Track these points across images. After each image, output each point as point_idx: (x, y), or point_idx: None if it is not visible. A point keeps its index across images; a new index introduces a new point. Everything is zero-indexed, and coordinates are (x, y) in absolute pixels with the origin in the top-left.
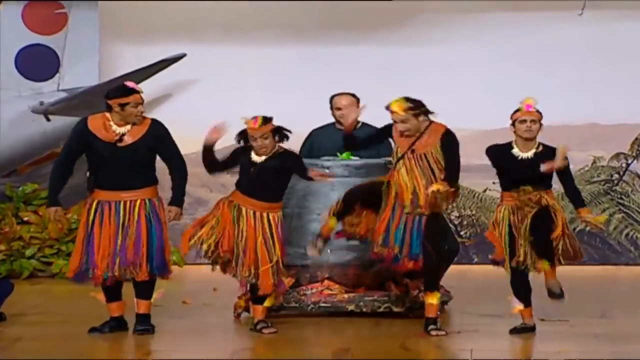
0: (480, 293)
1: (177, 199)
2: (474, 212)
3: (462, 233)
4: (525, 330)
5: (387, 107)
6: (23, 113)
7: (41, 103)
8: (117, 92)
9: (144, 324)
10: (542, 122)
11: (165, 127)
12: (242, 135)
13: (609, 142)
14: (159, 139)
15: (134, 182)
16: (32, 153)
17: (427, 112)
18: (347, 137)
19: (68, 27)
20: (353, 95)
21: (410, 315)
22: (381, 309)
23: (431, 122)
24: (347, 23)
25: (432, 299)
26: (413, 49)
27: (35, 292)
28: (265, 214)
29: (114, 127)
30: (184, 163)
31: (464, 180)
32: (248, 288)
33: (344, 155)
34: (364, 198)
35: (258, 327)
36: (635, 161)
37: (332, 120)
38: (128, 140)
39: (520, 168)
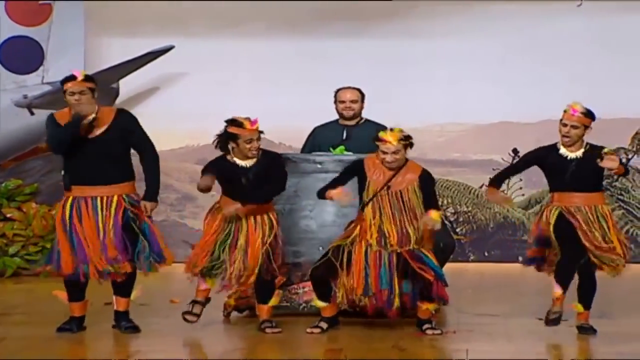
0: (477, 292)
1: (152, 193)
2: (470, 209)
3: (457, 230)
4: (556, 321)
5: (379, 138)
6: (6, 107)
7: (25, 96)
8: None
9: (130, 322)
10: (589, 124)
11: (133, 116)
12: (230, 140)
13: (608, 136)
14: (127, 129)
15: (110, 176)
16: (16, 148)
17: (412, 145)
18: None
19: (52, 19)
20: (359, 90)
21: (404, 315)
22: None
23: (407, 159)
24: (342, 14)
25: (428, 306)
26: (411, 42)
27: (19, 291)
28: (266, 216)
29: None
30: (156, 153)
31: (461, 176)
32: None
33: (338, 150)
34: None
35: (262, 326)
36: (635, 156)
37: (327, 115)
38: (96, 131)
39: (570, 168)
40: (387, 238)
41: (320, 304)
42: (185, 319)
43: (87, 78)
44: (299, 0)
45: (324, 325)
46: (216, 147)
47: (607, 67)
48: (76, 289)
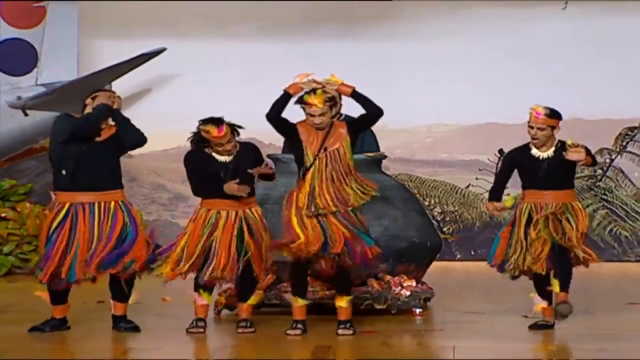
0: (463, 290)
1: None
2: (456, 208)
3: (444, 229)
4: (544, 327)
5: (304, 102)
6: (0, 108)
7: (19, 98)
8: None
9: (129, 322)
10: (555, 124)
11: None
12: (202, 141)
13: (592, 137)
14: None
15: (107, 182)
16: (10, 149)
17: (336, 105)
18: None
19: (46, 21)
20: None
21: (392, 312)
22: (363, 306)
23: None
24: (332, 16)
25: (342, 302)
26: (398, 44)
27: (12, 289)
28: (249, 211)
29: None
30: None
31: (447, 176)
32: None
33: None
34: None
35: (238, 324)
36: (618, 157)
37: None
38: (104, 135)
39: (542, 167)
40: (316, 200)
41: (300, 301)
42: (191, 332)
43: None
44: (290, 0)
45: (302, 326)
46: (191, 142)
47: (591, 68)
48: (58, 293)
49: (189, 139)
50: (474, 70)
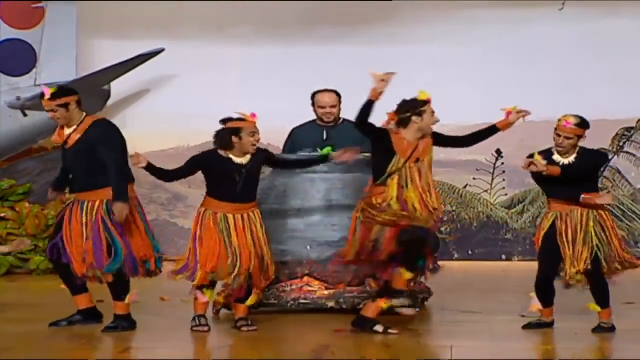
0: (460, 289)
1: (116, 196)
2: (454, 208)
3: (442, 229)
4: (540, 326)
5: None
6: None
7: (18, 98)
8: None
9: (112, 323)
10: (582, 133)
11: (107, 127)
12: (234, 132)
13: (589, 137)
14: (97, 140)
15: (91, 183)
16: (9, 148)
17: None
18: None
19: (45, 22)
20: (335, 92)
21: (390, 312)
22: (361, 306)
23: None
24: (328, 19)
25: (382, 303)
26: (395, 45)
27: (12, 288)
28: (252, 214)
29: (66, 129)
30: (117, 167)
31: (445, 176)
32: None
33: (325, 150)
34: None
35: (238, 324)
36: (615, 157)
37: (312, 116)
38: (70, 142)
39: (563, 173)
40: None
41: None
42: (197, 331)
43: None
44: (287, 0)
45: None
46: (216, 143)
47: (587, 69)
48: (72, 282)
49: (215, 140)
50: (471, 71)
